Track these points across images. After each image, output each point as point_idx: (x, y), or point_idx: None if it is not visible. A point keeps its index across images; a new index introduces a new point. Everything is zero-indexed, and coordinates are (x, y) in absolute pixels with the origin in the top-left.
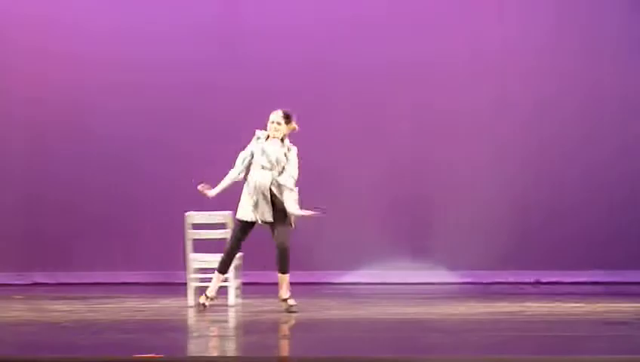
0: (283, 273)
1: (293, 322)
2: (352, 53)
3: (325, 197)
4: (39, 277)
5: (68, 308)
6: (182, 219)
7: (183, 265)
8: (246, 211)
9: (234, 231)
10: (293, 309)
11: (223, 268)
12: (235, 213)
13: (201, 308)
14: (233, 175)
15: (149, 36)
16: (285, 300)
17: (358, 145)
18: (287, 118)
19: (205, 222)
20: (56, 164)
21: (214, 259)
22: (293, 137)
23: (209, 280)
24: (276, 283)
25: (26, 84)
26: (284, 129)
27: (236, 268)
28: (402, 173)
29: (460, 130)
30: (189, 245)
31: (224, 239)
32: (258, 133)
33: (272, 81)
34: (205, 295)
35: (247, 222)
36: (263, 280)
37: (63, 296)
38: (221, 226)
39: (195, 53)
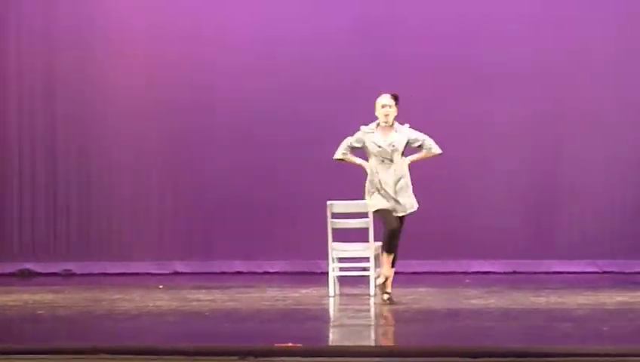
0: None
1: (429, 312)
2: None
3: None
4: (180, 267)
5: (209, 298)
6: (323, 208)
7: (324, 254)
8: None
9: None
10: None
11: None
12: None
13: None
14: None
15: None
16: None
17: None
18: (396, 100)
19: (346, 211)
20: (193, 149)
21: (355, 249)
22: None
23: (350, 269)
24: (417, 273)
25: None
26: (394, 112)
27: (376, 258)
28: (535, 162)
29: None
30: (330, 234)
31: (365, 228)
32: (364, 128)
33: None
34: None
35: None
36: (404, 269)
37: (204, 285)
38: (362, 215)
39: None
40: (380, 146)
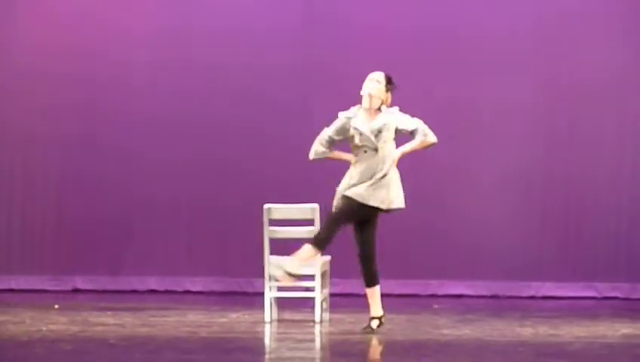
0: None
1: (389, 344)
2: None
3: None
4: (81, 283)
5: (116, 322)
6: (259, 213)
7: (258, 270)
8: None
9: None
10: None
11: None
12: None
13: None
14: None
15: None
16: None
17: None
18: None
19: (288, 218)
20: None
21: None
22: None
23: (290, 289)
24: None
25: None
26: (381, 93)
27: (323, 276)
28: (523, 165)
29: None
30: (267, 245)
31: (310, 239)
32: (343, 114)
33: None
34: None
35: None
36: (357, 290)
37: (110, 306)
38: (307, 223)
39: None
40: (361, 133)
